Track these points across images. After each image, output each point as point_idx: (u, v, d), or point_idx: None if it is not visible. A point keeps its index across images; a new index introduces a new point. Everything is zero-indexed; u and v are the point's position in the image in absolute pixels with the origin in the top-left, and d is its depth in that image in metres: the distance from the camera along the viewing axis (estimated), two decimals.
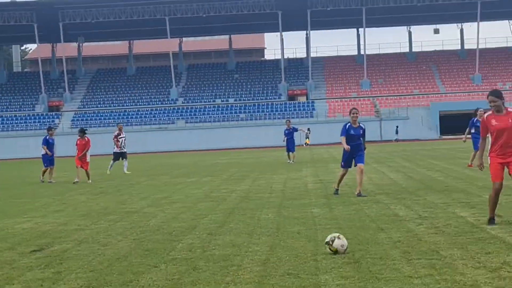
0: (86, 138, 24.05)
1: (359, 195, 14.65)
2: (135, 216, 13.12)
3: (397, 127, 70.81)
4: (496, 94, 10.42)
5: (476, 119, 21.94)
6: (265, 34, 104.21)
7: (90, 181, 23.33)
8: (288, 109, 77.11)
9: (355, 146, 14.89)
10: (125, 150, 28.47)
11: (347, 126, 15.16)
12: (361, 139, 15.04)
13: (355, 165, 15.05)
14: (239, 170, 27.23)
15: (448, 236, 9.22)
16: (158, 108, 79.62)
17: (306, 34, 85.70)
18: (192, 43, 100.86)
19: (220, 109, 78.08)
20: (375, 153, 37.89)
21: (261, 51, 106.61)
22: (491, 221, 10.00)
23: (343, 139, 14.95)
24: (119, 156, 28.39)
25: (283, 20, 78.85)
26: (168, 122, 75.48)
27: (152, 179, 23.84)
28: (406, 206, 12.76)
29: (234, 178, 22.60)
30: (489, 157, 10.15)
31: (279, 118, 74.72)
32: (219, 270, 7.69)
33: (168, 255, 8.80)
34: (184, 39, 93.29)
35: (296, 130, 32.70)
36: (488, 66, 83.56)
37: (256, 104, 78.99)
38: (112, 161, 28.53)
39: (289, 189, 17.51)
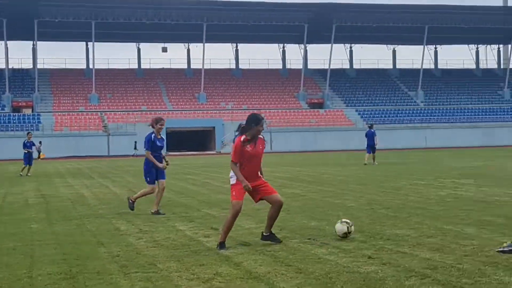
0: None
1: (156, 213, 13.56)
2: None
3: (135, 142, 70.95)
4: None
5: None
6: None
7: None
8: (12, 121, 73.87)
9: (158, 158, 13.90)
10: None
11: (152, 137, 13.97)
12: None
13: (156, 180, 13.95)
14: None
15: (167, 249, 9.46)
16: None
17: (33, 44, 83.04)
18: None
19: None
20: (102, 167, 37.68)
21: None
22: (221, 245, 9.46)
23: (148, 153, 13.81)
24: None
25: (9, 28, 75.66)
26: None
27: None
28: (128, 220, 12.86)
29: None
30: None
31: (2, 130, 71.34)
32: None
33: None
34: None
35: (33, 144, 31.48)
36: (212, 85, 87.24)
37: None
38: None
39: (8, 203, 16.79)
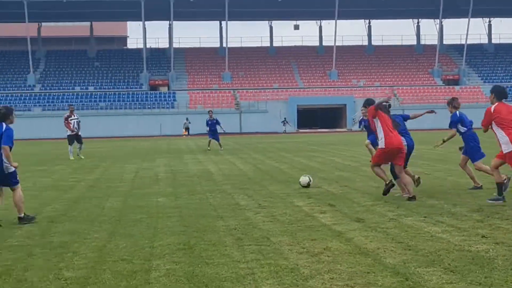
0: None
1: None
2: None
3: (285, 118, 72.16)
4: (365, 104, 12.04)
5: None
6: (128, 22, 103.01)
7: None
8: (149, 99, 76.72)
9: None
10: (79, 133, 27.11)
11: (458, 114, 14.05)
12: None
13: None
14: (92, 159, 26.96)
15: (281, 224, 9.74)
16: (14, 94, 76.95)
17: (169, 24, 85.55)
18: (52, 28, 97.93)
19: (79, 97, 76.52)
20: (231, 144, 38.57)
21: (123, 39, 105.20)
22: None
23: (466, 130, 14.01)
24: (73, 139, 27.17)
25: (146, 9, 78.25)
26: (25, 109, 73.06)
27: None
28: (249, 195, 13.25)
29: (86, 167, 22.40)
30: None
31: (139, 108, 74.31)
32: (54, 257, 7.79)
33: (5, 242, 8.78)
34: (43, 24, 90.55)
35: (218, 123, 32.56)
36: (344, 63, 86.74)
37: (117, 93, 78.02)
38: (69, 146, 27.26)
39: (139, 178, 17.65)
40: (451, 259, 7.20)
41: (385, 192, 12.26)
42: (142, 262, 7.43)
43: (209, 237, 8.83)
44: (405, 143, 13.09)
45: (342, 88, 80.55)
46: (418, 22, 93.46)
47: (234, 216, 10.62)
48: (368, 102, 13.42)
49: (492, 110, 11.44)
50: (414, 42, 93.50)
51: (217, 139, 31.89)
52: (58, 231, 9.50)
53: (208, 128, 32.27)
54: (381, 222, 9.71)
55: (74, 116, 27.40)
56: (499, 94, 11.58)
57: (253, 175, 17.95)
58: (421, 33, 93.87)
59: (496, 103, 11.51)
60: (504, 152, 11.34)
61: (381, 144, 12.16)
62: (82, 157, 26.87)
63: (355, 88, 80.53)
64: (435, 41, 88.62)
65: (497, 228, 9.03)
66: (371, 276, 6.61)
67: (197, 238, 8.76)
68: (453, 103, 13.73)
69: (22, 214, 10.37)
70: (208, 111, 34.28)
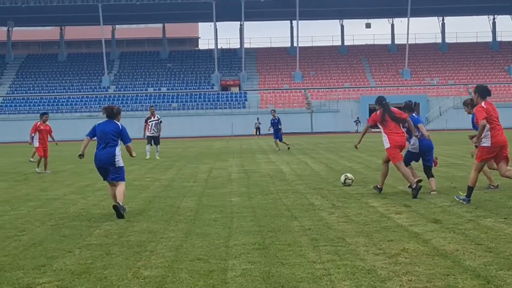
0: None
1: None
2: (56, 203, 13.18)
3: (357, 118, 71.79)
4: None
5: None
6: (199, 23, 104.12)
7: (48, 171, 21.41)
8: (220, 99, 77.29)
9: None
10: (157, 134, 27.76)
11: None
12: None
13: None
14: (166, 159, 27.32)
15: (356, 225, 9.64)
16: (89, 96, 78.74)
17: (240, 24, 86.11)
18: (125, 30, 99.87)
19: (152, 98, 77.74)
20: (302, 144, 38.50)
21: (195, 40, 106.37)
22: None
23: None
24: (151, 139, 27.82)
25: (217, 10, 78.95)
26: (99, 110, 74.50)
27: (78, 167, 23.71)
28: (323, 196, 13.18)
29: (160, 167, 22.72)
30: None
31: (211, 108, 74.96)
32: (132, 255, 7.90)
33: (84, 240, 8.96)
34: (117, 26, 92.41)
35: (280, 122, 32.63)
36: (417, 61, 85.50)
37: (189, 93, 78.91)
38: (147, 145, 28.01)
39: (212, 178, 17.78)
40: None
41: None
42: (218, 261, 7.47)
43: (284, 237, 8.82)
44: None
45: (415, 87, 79.41)
46: (494, 18, 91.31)
47: (308, 216, 10.57)
48: None
49: (484, 107, 11.17)
50: (490, 39, 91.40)
51: (280, 139, 31.83)
52: (135, 230, 9.64)
53: (271, 127, 32.21)
54: (459, 223, 9.50)
55: (154, 117, 27.85)
56: (482, 92, 11.36)
57: (326, 175, 17.86)
58: (497, 30, 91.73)
59: (483, 101, 11.20)
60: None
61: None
62: (158, 158, 27.23)
63: (428, 87, 79.28)
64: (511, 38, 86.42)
65: None
66: (451, 278, 6.47)
67: (272, 238, 8.76)
68: (472, 104, 13.11)
69: (120, 203, 10.95)
70: (271, 111, 34.22)
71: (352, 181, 14.96)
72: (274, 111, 34.20)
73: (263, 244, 8.36)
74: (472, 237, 8.48)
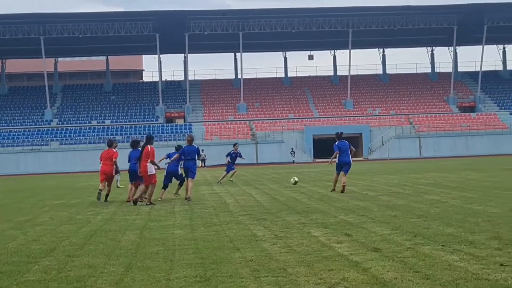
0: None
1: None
2: None
3: (292, 149, 72.10)
4: None
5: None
6: (143, 56, 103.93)
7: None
8: (165, 131, 77.02)
9: None
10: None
11: None
12: None
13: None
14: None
15: (298, 255, 9.70)
16: (32, 129, 77.55)
17: (184, 57, 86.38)
18: (68, 63, 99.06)
19: (96, 130, 76.99)
20: (247, 175, 38.55)
21: (139, 72, 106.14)
22: None
23: None
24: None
25: (161, 43, 79.00)
26: (42, 143, 73.51)
27: (19, 202, 23.30)
28: (265, 226, 13.23)
29: (102, 200, 22.40)
30: None
31: (156, 141, 74.45)
32: None
33: (22, 277, 8.80)
34: (59, 59, 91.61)
35: (240, 155, 32.69)
36: (359, 92, 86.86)
37: (133, 126, 78.42)
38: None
39: (155, 210, 17.65)
40: None
41: None
42: None
43: (225, 269, 8.82)
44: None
45: (358, 117, 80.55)
46: (432, 50, 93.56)
47: (250, 247, 10.60)
48: None
49: None
50: (429, 70, 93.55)
51: (230, 171, 31.90)
52: (75, 265, 9.51)
53: (229, 160, 32.19)
54: (399, 251, 9.65)
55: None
56: None
57: (269, 205, 17.92)
58: (435, 61, 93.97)
59: None
60: None
61: None
62: (121, 187, 27.87)
63: (370, 117, 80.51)
64: (449, 69, 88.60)
65: None
66: None
67: (214, 270, 8.75)
68: None
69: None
70: (235, 144, 34.22)
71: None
72: (237, 144, 34.36)
73: (204, 276, 8.35)
74: (410, 264, 8.63)
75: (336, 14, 79.77)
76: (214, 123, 79.80)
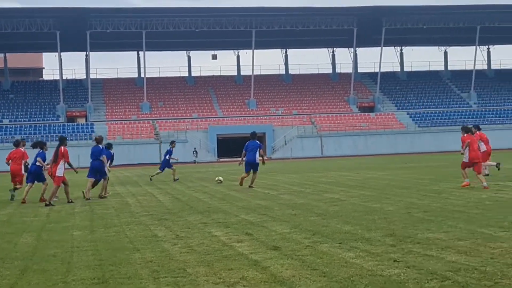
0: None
1: None
2: None
3: (194, 148, 71.80)
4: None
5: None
6: (43, 53, 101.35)
7: None
8: (66, 131, 75.36)
9: None
10: None
11: None
12: None
13: None
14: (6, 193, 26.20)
15: (198, 255, 9.72)
16: None
17: (86, 55, 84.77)
18: None
19: None
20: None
21: (39, 71, 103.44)
22: None
23: None
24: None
25: (62, 40, 77.17)
26: None
27: None
28: (167, 227, 13.18)
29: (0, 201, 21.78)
30: None
31: (57, 140, 72.90)
32: None
33: None
34: None
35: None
36: (262, 92, 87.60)
37: (33, 125, 76.42)
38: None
39: (55, 212, 17.27)
40: (364, 284, 7.35)
41: None
42: None
43: (124, 270, 8.74)
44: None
45: (261, 117, 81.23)
46: (333, 51, 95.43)
47: (151, 248, 10.54)
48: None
49: None
50: (330, 71, 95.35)
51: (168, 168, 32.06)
52: None
53: (167, 158, 32.20)
54: (298, 250, 9.81)
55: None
56: None
57: (171, 205, 17.86)
58: (336, 62, 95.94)
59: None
60: None
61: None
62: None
63: (273, 117, 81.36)
64: (350, 70, 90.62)
65: (409, 252, 9.26)
66: None
67: (112, 271, 8.65)
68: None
69: None
70: (172, 142, 34.27)
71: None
72: (175, 142, 34.88)
73: (102, 278, 8.25)
74: (308, 262, 8.79)
75: (239, 14, 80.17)
76: (117, 122, 78.72)
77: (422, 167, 36.01)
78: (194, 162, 68.92)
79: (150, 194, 22.87)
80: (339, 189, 21.40)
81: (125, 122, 78.95)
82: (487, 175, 23.15)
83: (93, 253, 10.24)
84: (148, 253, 10.00)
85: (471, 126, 22.39)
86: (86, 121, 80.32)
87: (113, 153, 24.75)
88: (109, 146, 24.03)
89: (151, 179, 31.58)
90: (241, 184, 23.57)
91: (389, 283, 7.35)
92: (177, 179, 30.59)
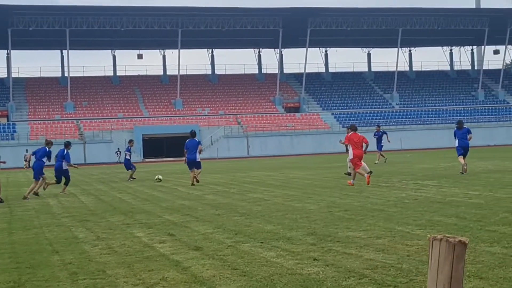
0: None
1: None
2: None
3: (118, 149, 70.85)
4: None
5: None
6: None
7: None
8: None
9: None
10: None
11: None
12: None
13: None
14: None
15: (119, 256, 9.62)
16: None
17: (7, 53, 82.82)
18: None
19: None
20: (73, 176, 37.57)
21: None
22: None
23: None
24: None
25: None
26: None
27: None
28: (88, 228, 13.00)
29: None
30: None
31: None
32: None
33: None
34: None
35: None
36: (188, 92, 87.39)
37: None
38: None
39: None
40: (283, 283, 7.41)
41: None
42: None
43: (42, 273, 8.57)
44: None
45: (187, 117, 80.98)
46: (259, 52, 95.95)
47: (70, 250, 10.37)
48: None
49: None
50: (256, 71, 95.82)
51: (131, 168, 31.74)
52: None
53: (126, 157, 31.91)
54: (219, 250, 9.82)
55: None
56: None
57: (94, 206, 17.63)
58: (262, 62, 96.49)
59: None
60: None
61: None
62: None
63: (200, 117, 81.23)
64: (275, 70, 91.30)
65: (329, 250, 9.39)
66: None
67: (30, 274, 8.48)
68: None
69: None
70: (130, 141, 33.85)
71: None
72: (133, 140, 35.09)
73: (19, 281, 8.07)
74: (229, 262, 8.81)
75: (165, 14, 79.76)
76: (40, 122, 77.18)
77: (346, 167, 36.49)
78: (118, 162, 68.05)
79: (72, 195, 22.53)
80: (263, 188, 21.53)
81: (49, 122, 77.50)
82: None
83: (10, 255, 10.01)
84: (68, 255, 9.84)
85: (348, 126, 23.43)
86: (7, 120, 78.45)
87: (50, 151, 23.99)
88: (48, 143, 23.23)
89: (129, 179, 30.85)
90: (192, 183, 24.37)
91: (308, 281, 7.44)
92: (133, 179, 30.39)
